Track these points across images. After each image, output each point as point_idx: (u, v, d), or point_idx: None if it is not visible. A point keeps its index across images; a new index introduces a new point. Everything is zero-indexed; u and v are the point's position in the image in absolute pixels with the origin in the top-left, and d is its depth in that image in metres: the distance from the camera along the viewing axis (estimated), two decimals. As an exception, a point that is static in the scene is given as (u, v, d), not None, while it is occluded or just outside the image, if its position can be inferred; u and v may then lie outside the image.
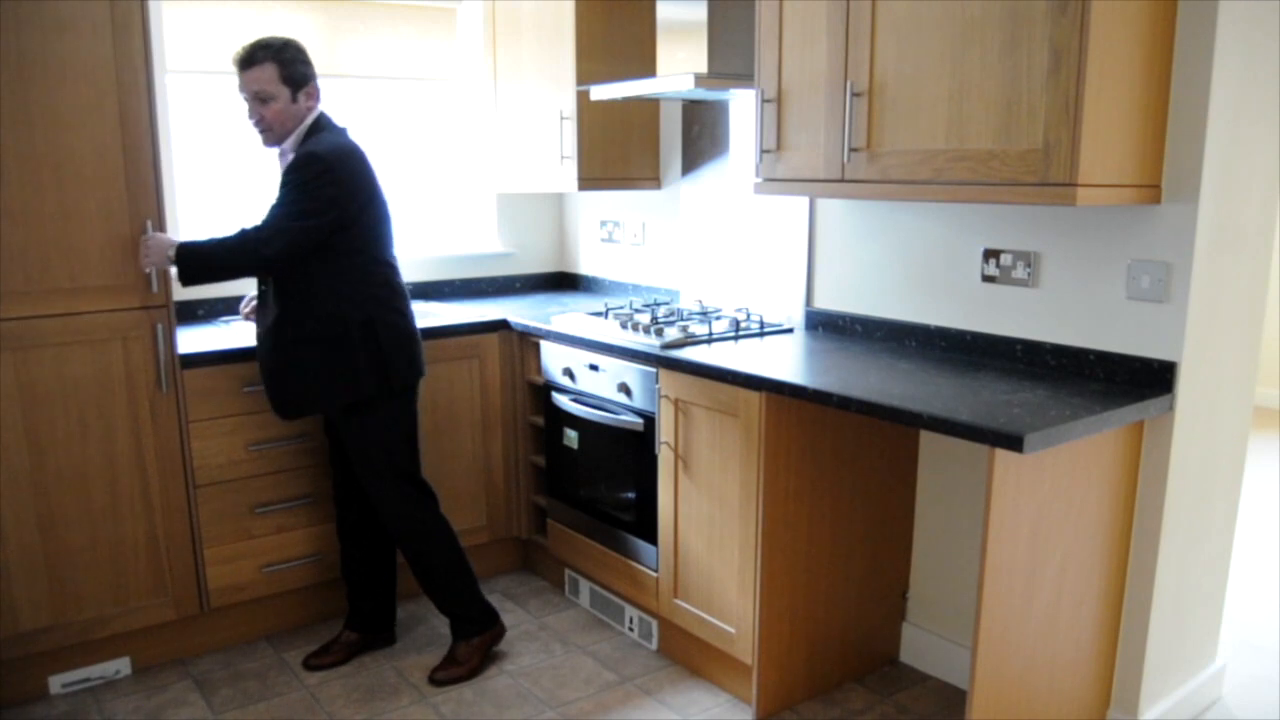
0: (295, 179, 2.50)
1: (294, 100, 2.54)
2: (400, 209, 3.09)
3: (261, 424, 2.88)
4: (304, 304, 2.57)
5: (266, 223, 2.49)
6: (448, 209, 3.95)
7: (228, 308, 3.31)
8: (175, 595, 2.81)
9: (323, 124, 2.60)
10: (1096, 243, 2.31)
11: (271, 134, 2.56)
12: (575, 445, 3.14)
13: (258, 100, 2.52)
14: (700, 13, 2.88)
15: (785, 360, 2.58)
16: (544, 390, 3.25)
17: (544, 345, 3.21)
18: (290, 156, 2.56)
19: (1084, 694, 2.34)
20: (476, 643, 2.85)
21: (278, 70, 2.51)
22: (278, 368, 2.62)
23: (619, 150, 3.48)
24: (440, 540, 2.80)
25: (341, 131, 2.62)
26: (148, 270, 2.61)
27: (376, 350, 2.61)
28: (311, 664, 2.87)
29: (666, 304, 3.39)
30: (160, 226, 2.62)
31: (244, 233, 2.50)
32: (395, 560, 2.97)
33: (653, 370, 2.74)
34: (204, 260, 2.52)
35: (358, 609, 2.94)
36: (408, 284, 2.79)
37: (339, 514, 2.90)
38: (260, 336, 2.64)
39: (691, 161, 3.44)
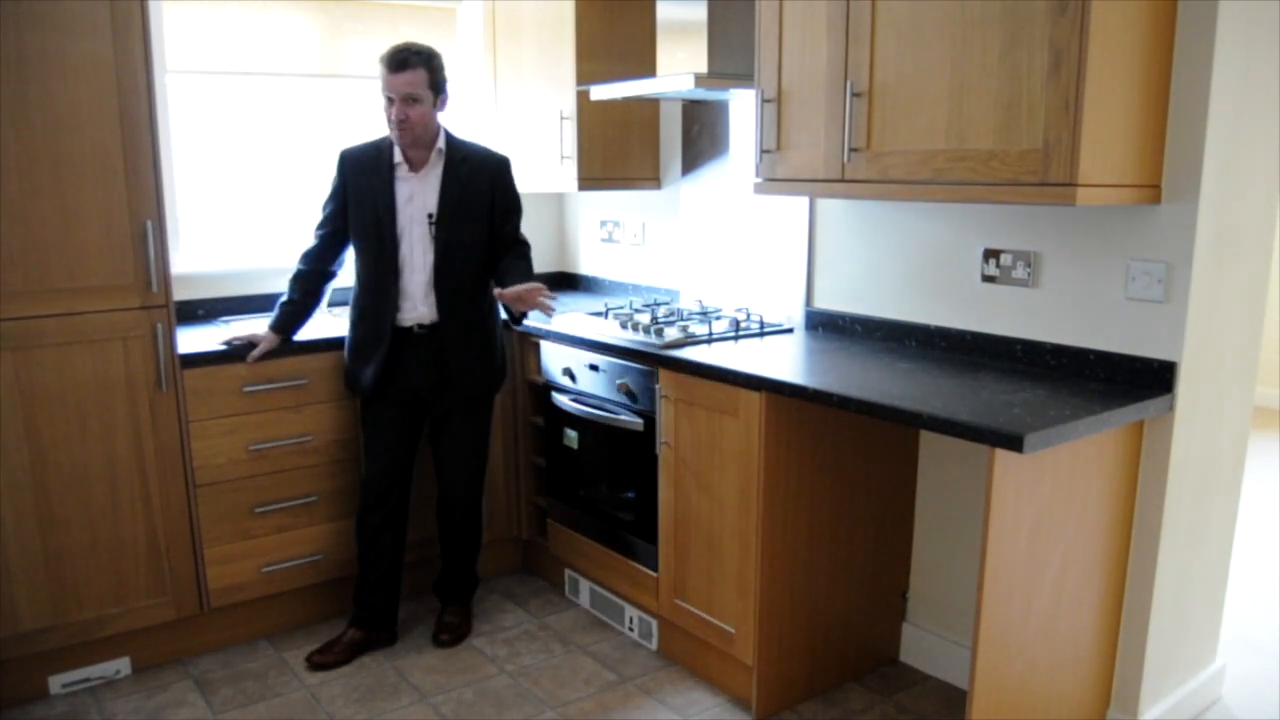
0: (514, 185, 2.93)
1: (436, 106, 2.74)
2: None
3: (261, 424, 2.88)
4: (486, 293, 2.93)
5: (523, 245, 2.96)
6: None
7: (228, 308, 3.31)
8: (175, 595, 2.81)
9: (449, 131, 2.85)
10: (1096, 243, 2.31)
11: (410, 133, 2.72)
12: (575, 445, 3.14)
13: (406, 102, 2.66)
14: (700, 13, 2.88)
15: (785, 360, 2.58)
16: (544, 390, 3.25)
17: (544, 345, 3.21)
18: (444, 155, 2.79)
19: (1084, 694, 2.34)
20: (469, 605, 3.18)
21: (428, 76, 2.69)
22: (482, 346, 2.93)
23: (619, 150, 3.48)
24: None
25: None
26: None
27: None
28: (315, 662, 2.88)
29: (666, 304, 3.39)
30: (160, 226, 2.62)
31: (526, 249, 2.95)
32: (403, 558, 3.01)
33: (653, 370, 2.74)
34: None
35: (367, 605, 2.96)
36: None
37: (372, 508, 2.92)
38: (459, 323, 2.85)
39: (691, 161, 3.44)
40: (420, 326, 2.83)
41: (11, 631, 2.58)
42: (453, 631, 3.04)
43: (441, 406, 2.93)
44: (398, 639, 3.02)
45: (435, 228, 2.78)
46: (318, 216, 2.89)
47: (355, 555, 3.00)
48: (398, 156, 2.77)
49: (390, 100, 2.68)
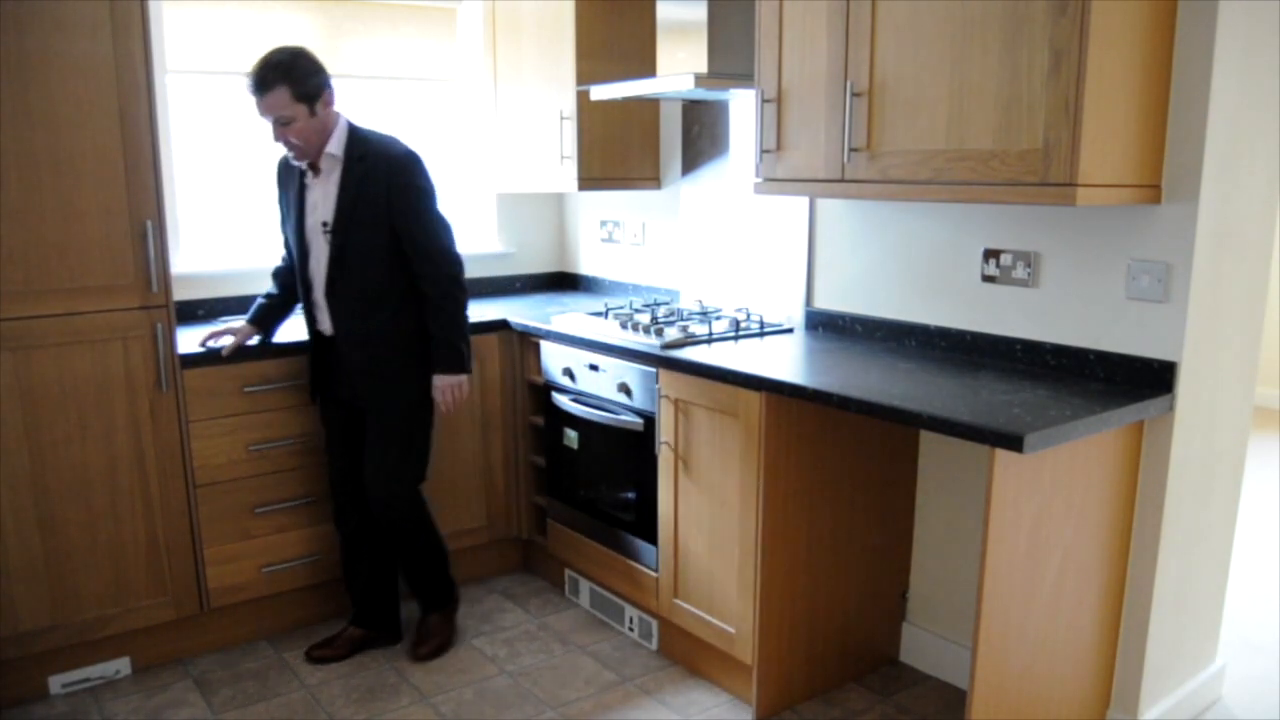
0: (416, 182, 2.65)
1: (313, 114, 2.55)
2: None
3: (261, 424, 2.88)
4: (415, 294, 2.71)
5: (437, 247, 2.66)
6: (448, 209, 3.93)
7: (228, 308, 3.31)
8: (175, 595, 2.81)
9: (352, 123, 2.66)
10: (1096, 243, 2.31)
11: (300, 151, 2.58)
12: (575, 445, 3.14)
13: (279, 124, 2.53)
14: (700, 13, 2.88)
15: (785, 360, 2.58)
16: (544, 390, 3.25)
17: (544, 345, 3.21)
18: (339, 159, 2.61)
19: (1084, 694, 2.34)
20: (447, 614, 3.02)
21: (290, 91, 2.49)
22: (388, 356, 2.72)
23: (619, 150, 3.48)
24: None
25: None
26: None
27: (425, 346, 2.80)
28: (314, 655, 2.89)
29: (666, 304, 3.39)
30: (160, 226, 2.62)
31: (439, 279, 2.66)
32: (394, 559, 2.97)
33: (653, 370, 2.74)
34: (465, 341, 2.75)
35: (364, 607, 2.95)
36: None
37: (342, 511, 2.90)
38: (355, 336, 2.69)
39: (691, 161, 3.44)
40: (330, 337, 2.76)
41: (11, 631, 2.58)
42: (426, 644, 2.93)
43: (365, 410, 2.80)
44: (401, 638, 3.02)
45: (330, 237, 2.64)
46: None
47: (339, 558, 3.01)
48: (304, 163, 2.67)
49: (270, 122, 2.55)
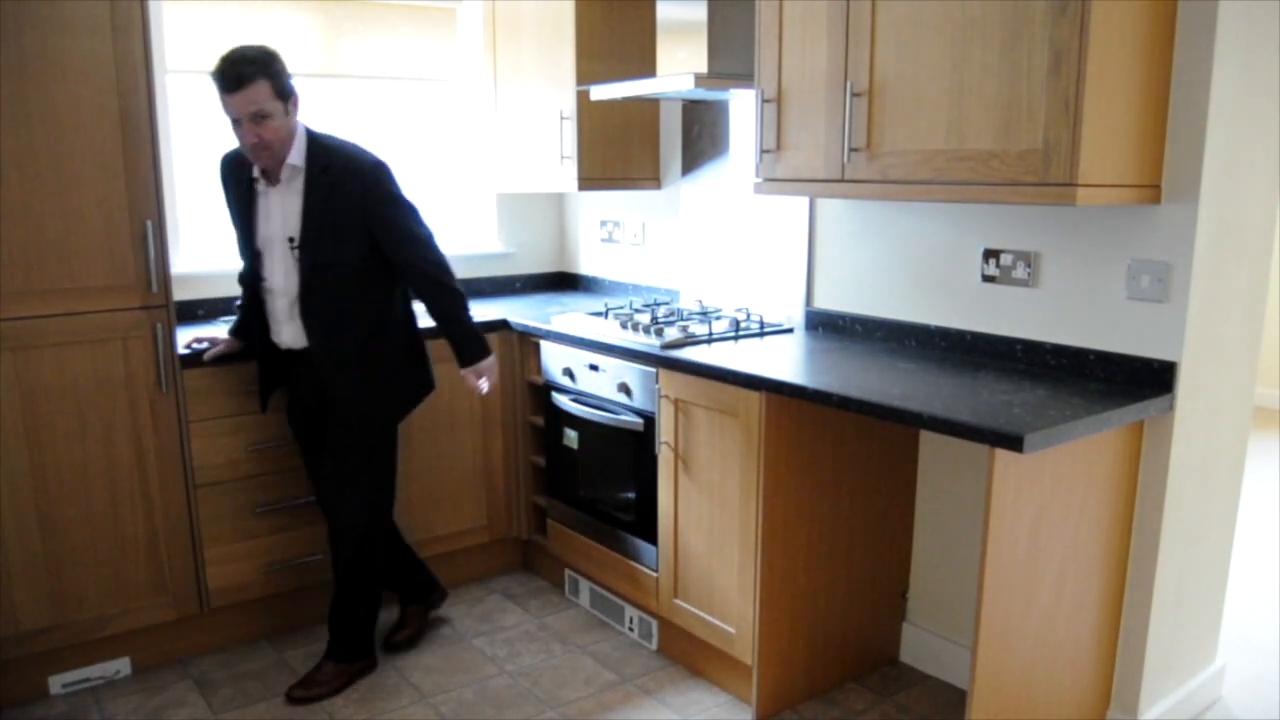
0: (392, 192, 2.56)
1: (287, 113, 2.45)
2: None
3: (261, 424, 2.88)
4: (390, 309, 2.67)
5: (426, 255, 2.59)
6: (448, 209, 3.94)
7: (228, 308, 3.31)
8: (175, 595, 2.81)
9: (310, 130, 2.55)
10: (1096, 243, 2.31)
11: (270, 153, 2.44)
12: (575, 445, 3.14)
13: (255, 120, 2.38)
14: (700, 13, 2.88)
15: (785, 360, 2.58)
16: (544, 390, 3.25)
17: (544, 345, 3.21)
18: (301, 169, 2.50)
19: (1084, 694, 2.34)
20: (348, 668, 2.77)
21: (271, 86, 2.38)
22: (366, 375, 2.64)
23: (619, 150, 3.48)
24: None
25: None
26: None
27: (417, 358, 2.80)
28: (395, 642, 2.94)
29: (666, 304, 3.39)
30: (160, 226, 2.62)
31: (436, 279, 2.60)
32: (402, 536, 3.03)
33: (653, 370, 2.74)
34: (477, 331, 2.72)
35: (409, 584, 3.03)
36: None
37: (330, 522, 2.85)
38: (331, 355, 2.60)
39: (691, 161, 3.44)
40: (290, 350, 2.68)
41: (11, 631, 2.58)
42: (307, 686, 2.69)
43: (328, 427, 2.71)
44: (438, 590, 3.12)
45: (299, 251, 2.52)
46: None
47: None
48: (255, 170, 2.55)
49: (237, 121, 2.39)
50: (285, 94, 2.44)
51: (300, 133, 2.52)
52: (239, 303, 2.81)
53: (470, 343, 2.70)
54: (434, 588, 3.10)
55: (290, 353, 2.69)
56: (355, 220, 2.52)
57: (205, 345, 2.77)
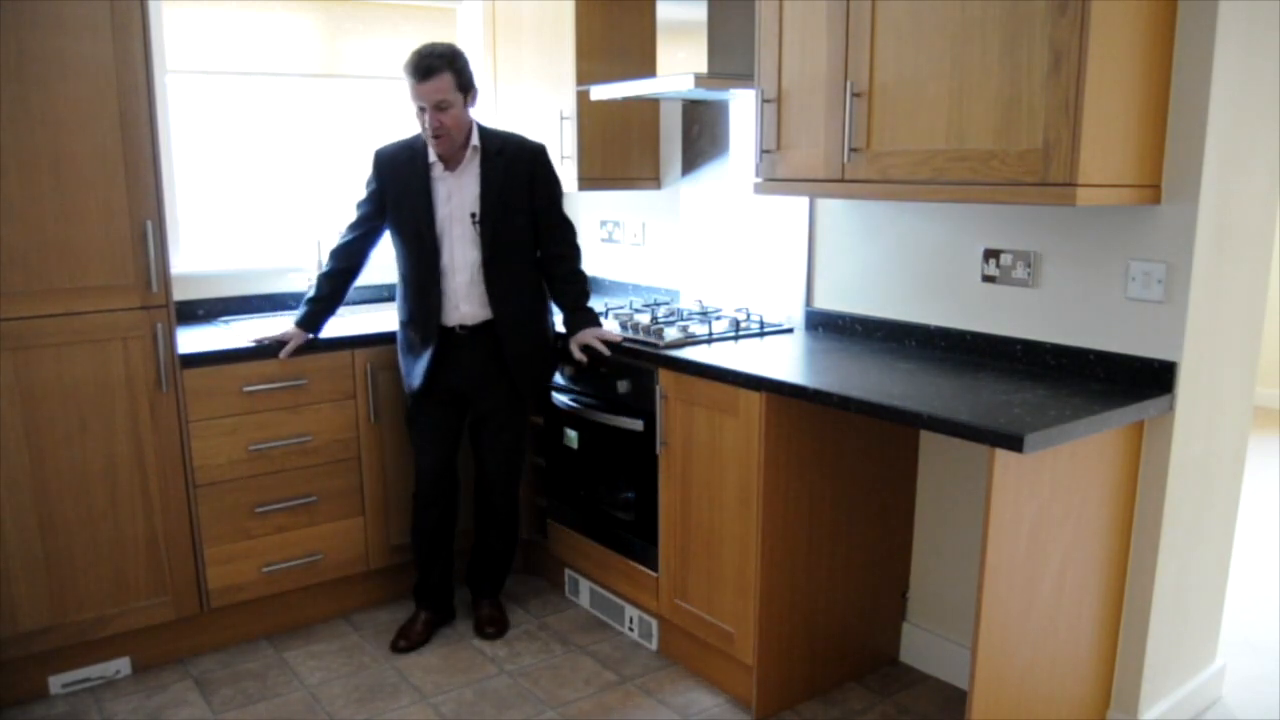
0: (555, 174, 2.89)
1: (466, 105, 2.71)
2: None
3: (261, 424, 2.88)
4: (541, 282, 2.94)
5: (571, 240, 2.93)
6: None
7: (228, 308, 3.31)
8: (175, 595, 2.81)
9: (478, 121, 2.81)
10: (1096, 243, 2.31)
11: (449, 139, 2.69)
12: (575, 445, 3.14)
13: (438, 109, 2.63)
14: (700, 13, 2.88)
15: (785, 360, 2.58)
16: (544, 390, 3.24)
17: (544, 345, 3.21)
18: (478, 151, 2.75)
19: (1084, 694, 2.34)
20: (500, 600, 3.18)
21: (454, 79, 2.64)
22: (536, 342, 2.94)
23: (619, 150, 3.48)
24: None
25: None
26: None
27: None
28: (401, 646, 2.96)
29: (666, 304, 3.39)
30: (160, 226, 2.62)
31: (574, 256, 2.93)
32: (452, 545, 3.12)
33: (653, 370, 2.74)
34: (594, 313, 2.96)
35: (442, 590, 3.08)
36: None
37: (428, 506, 2.98)
38: (511, 320, 2.83)
39: (691, 161, 3.44)
40: (463, 327, 2.82)
41: (11, 631, 2.58)
42: (497, 624, 3.07)
43: (485, 404, 2.92)
44: (455, 615, 3.14)
45: (480, 227, 2.75)
46: (352, 215, 2.90)
47: (413, 554, 3.07)
48: (432, 156, 2.75)
49: (422, 109, 2.64)
50: (466, 88, 2.70)
51: (474, 122, 2.78)
52: (314, 294, 2.91)
53: (587, 310, 2.95)
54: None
55: (453, 332, 2.83)
56: (524, 195, 2.82)
57: (273, 341, 2.84)
